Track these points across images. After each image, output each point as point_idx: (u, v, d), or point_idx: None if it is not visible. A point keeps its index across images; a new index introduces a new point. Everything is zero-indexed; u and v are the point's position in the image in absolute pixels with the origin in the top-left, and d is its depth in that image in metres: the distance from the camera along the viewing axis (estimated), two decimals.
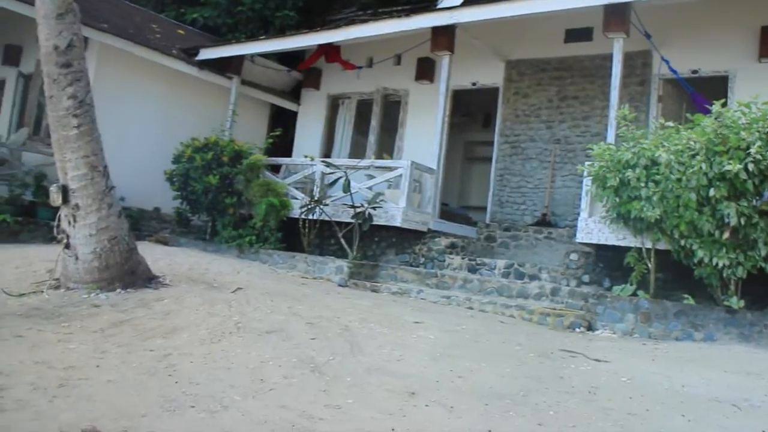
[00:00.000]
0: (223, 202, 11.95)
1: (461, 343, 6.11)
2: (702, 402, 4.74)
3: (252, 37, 16.07)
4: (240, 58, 14.02)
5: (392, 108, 14.33)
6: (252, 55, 14.15)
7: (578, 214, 9.35)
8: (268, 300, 7.02)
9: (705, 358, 6.10)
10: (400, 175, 10.87)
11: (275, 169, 12.67)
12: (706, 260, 7.26)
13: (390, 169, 11.10)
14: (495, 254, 11.22)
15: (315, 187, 11.73)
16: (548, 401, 4.56)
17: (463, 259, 10.13)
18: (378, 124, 14.36)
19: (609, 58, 9.65)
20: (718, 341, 6.84)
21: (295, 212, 11.34)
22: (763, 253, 7.01)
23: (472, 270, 9.88)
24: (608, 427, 4.11)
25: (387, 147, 13.86)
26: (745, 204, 7.05)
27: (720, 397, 4.84)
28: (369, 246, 11.28)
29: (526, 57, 12.59)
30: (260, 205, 11.28)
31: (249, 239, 11.37)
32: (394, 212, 10.63)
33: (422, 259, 10.57)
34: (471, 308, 8.25)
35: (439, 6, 12.46)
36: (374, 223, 10.47)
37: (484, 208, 12.84)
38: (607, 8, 9.34)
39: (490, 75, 12.90)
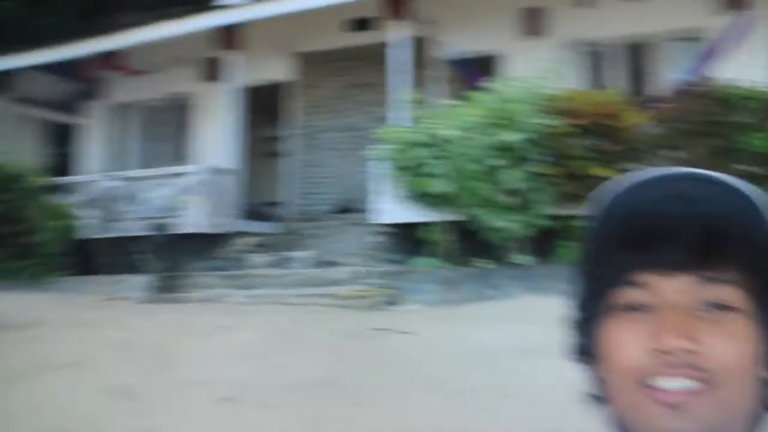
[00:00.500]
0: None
1: (275, 340, 6.08)
2: (506, 353, 5.08)
3: (17, 48, 14.81)
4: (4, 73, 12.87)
5: (184, 111, 13.85)
6: (19, 69, 13.06)
7: (377, 196, 9.61)
8: (66, 331, 6.55)
9: (503, 314, 6.55)
10: (198, 180, 10.59)
11: (58, 189, 11.78)
12: (494, 225, 7.76)
13: (187, 174, 10.77)
14: (301, 247, 11.22)
15: (106, 203, 11.08)
16: (365, 381, 4.67)
17: (268, 256, 10.06)
18: (171, 129, 13.85)
19: (391, 44, 9.99)
20: (514, 297, 7.36)
21: (87, 232, 10.66)
22: (542, 212, 7.64)
23: (280, 265, 9.83)
24: (425, 393, 4.29)
25: (182, 152, 13.41)
26: (524, 170, 7.63)
27: (520, 347, 5.22)
28: (172, 256, 10.86)
29: (313, 49, 12.67)
30: (44, 230, 10.45)
31: (37, 269, 10.49)
32: (196, 218, 10.33)
33: (228, 262, 10.35)
34: (281, 303, 8.21)
35: (222, 4, 12.22)
36: (175, 232, 10.10)
37: (288, 203, 12.84)
38: None
39: (281, 70, 12.86)
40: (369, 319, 6.93)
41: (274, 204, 14.60)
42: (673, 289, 0.70)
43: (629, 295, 0.72)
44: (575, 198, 7.66)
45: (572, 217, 7.70)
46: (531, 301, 6.98)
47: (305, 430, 3.70)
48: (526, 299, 7.12)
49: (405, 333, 6.02)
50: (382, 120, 11.61)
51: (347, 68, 12.43)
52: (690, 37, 10.39)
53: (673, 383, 0.67)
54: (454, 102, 8.43)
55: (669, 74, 10.40)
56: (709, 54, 9.37)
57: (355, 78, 12.35)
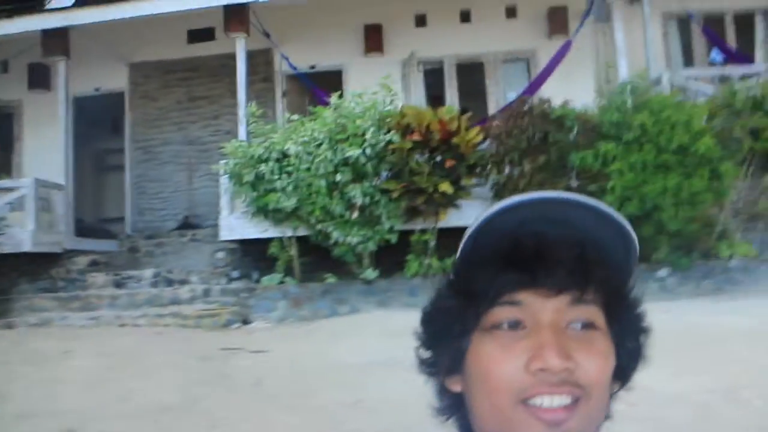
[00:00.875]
0: None
1: (118, 364, 5.82)
2: (357, 368, 5.18)
3: None
4: None
5: (5, 121, 12.87)
6: None
7: (220, 212, 9.45)
8: None
9: (353, 329, 6.66)
10: (24, 195, 9.87)
11: None
12: (341, 240, 7.88)
13: (10, 190, 10.01)
14: (141, 265, 10.80)
15: None
16: (218, 403, 4.59)
17: (107, 275, 9.58)
18: None
19: (233, 57, 9.88)
20: (362, 311, 7.52)
21: None
22: (387, 227, 7.84)
23: (119, 285, 9.40)
24: (279, 412, 4.29)
25: (4, 166, 12.44)
26: (368, 185, 7.81)
27: (372, 361, 5.33)
28: None
29: (150, 59, 12.24)
30: None
31: None
32: (22, 237, 9.62)
33: (62, 283, 9.74)
34: (124, 325, 7.87)
35: (48, 7, 11.49)
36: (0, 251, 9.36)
37: (124, 219, 12.28)
38: (227, 9, 9.56)
39: (115, 79, 12.29)
40: (218, 339, 6.80)
41: (112, 221, 13.90)
42: (549, 309, 0.74)
43: (505, 313, 0.75)
44: (418, 213, 7.96)
45: (416, 232, 8.00)
46: (380, 316, 7.15)
47: None
48: (375, 313, 7.29)
49: (256, 352, 5.97)
50: (225, 134, 11.44)
51: (188, 80, 12.14)
52: (520, 59, 11.14)
53: (553, 401, 0.71)
54: (298, 116, 8.46)
55: (501, 93, 11.09)
56: (538, 75, 10.08)
57: (197, 90, 12.09)
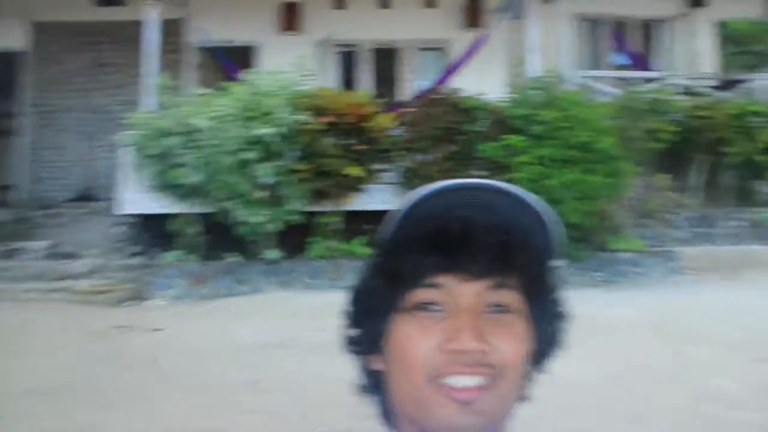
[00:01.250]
0: None
1: (2, 340, 5.55)
2: (256, 348, 5.13)
3: None
4: None
5: None
6: None
7: (122, 185, 9.13)
8: None
9: (254, 308, 6.59)
10: None
11: None
12: (246, 219, 7.75)
13: None
14: (33, 236, 10.29)
15: None
16: (111, 382, 4.44)
17: None
18: None
19: (144, 24, 9.52)
20: (264, 291, 7.43)
21: None
22: (293, 207, 7.78)
23: (8, 256, 8.94)
24: (176, 392, 4.19)
25: None
26: (276, 164, 7.71)
27: (271, 341, 5.29)
28: None
29: (55, 19, 11.62)
30: None
31: None
32: None
33: None
34: (10, 300, 7.48)
35: None
36: None
37: (19, 188, 11.68)
38: None
39: (13, 38, 11.62)
40: (112, 316, 6.58)
41: (2, 188, 13.17)
42: (469, 293, 0.76)
43: (425, 295, 0.77)
44: (326, 195, 7.94)
45: (322, 214, 7.97)
46: (281, 296, 7.10)
47: None
48: (277, 294, 7.23)
49: (153, 330, 5.82)
50: (131, 104, 11.03)
51: (94, 45, 11.63)
52: (435, 48, 11.24)
53: (466, 381, 0.73)
54: (207, 91, 8.25)
55: (415, 81, 11.17)
56: (452, 66, 10.21)
57: (104, 56, 11.60)
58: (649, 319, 5.98)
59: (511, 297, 0.78)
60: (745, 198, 10.29)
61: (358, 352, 0.86)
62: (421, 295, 0.77)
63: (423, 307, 0.77)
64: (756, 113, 9.91)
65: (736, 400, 3.96)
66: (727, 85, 11.21)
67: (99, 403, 4.01)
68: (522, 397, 0.82)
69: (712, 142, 9.73)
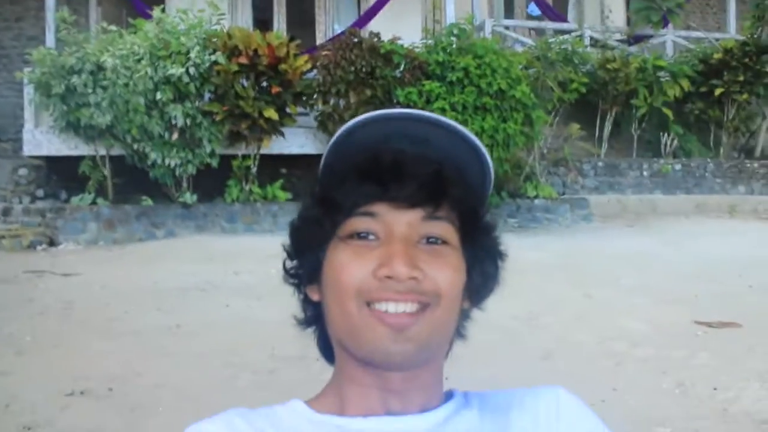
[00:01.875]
0: None
1: None
2: (175, 292, 5.07)
3: None
4: None
5: None
6: None
7: (23, 125, 8.67)
8: None
9: (170, 253, 6.48)
10: None
11: None
12: (159, 161, 7.54)
13: None
14: None
15: None
16: (22, 328, 4.29)
17: None
18: None
19: None
20: (179, 236, 7.31)
21: None
22: (208, 150, 7.62)
23: None
24: (91, 338, 4.11)
25: None
26: (190, 105, 7.51)
27: (189, 285, 5.24)
28: None
29: None
30: None
31: None
32: None
33: None
34: None
35: None
36: None
37: None
38: None
39: None
40: (22, 261, 6.31)
41: None
42: (402, 222, 0.76)
43: (360, 223, 0.77)
44: (241, 138, 7.81)
45: (237, 156, 7.85)
46: (198, 240, 7.00)
47: None
48: (193, 238, 7.12)
49: (65, 275, 5.64)
50: (28, 39, 10.43)
51: None
52: None
53: (398, 307, 0.73)
54: (115, 28, 7.87)
55: (331, 24, 11.00)
56: (369, 10, 10.09)
57: None
58: (560, 262, 6.24)
59: (445, 229, 0.78)
60: (651, 149, 10.79)
61: (297, 284, 0.85)
62: (356, 223, 0.77)
63: (358, 235, 0.77)
64: (662, 68, 10.32)
65: (640, 338, 4.22)
66: (635, 39, 11.59)
67: (13, 350, 3.89)
68: (459, 335, 0.84)
69: (620, 94, 10.09)
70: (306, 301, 0.86)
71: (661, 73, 10.29)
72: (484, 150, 0.81)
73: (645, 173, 10.16)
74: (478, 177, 0.83)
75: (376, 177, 0.77)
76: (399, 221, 0.76)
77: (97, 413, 3.01)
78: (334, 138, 0.81)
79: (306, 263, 0.83)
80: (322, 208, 0.80)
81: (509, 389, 0.86)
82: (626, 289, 5.40)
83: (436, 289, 0.75)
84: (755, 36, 10.89)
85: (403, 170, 0.77)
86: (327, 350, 0.86)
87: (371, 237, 0.77)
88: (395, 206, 0.77)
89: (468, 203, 0.81)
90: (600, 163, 10.05)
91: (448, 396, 0.84)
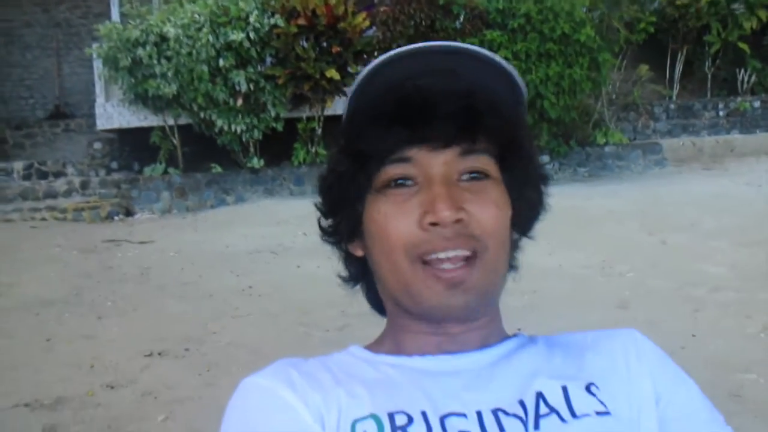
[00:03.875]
0: None
1: None
2: (246, 255, 5.17)
3: None
4: None
5: None
6: None
7: (95, 100, 8.93)
8: None
9: (240, 217, 6.60)
10: None
11: None
12: (225, 128, 7.65)
13: None
14: (10, 157, 10.15)
15: None
16: (103, 294, 4.47)
17: None
18: None
19: None
20: (249, 200, 7.43)
21: None
22: (272, 114, 7.67)
23: None
24: (169, 301, 4.24)
25: None
26: (252, 70, 7.55)
27: (260, 248, 5.33)
28: None
29: None
30: None
31: None
32: None
33: None
34: None
35: None
36: None
37: None
38: None
39: None
40: (100, 231, 6.56)
41: None
42: (439, 162, 0.72)
43: (395, 170, 0.73)
44: (305, 100, 7.82)
45: (302, 119, 7.88)
46: (265, 204, 7.11)
47: (40, 350, 3.47)
48: (261, 202, 7.23)
49: (141, 242, 5.83)
50: (95, 15, 10.68)
51: None
52: None
53: (449, 254, 0.70)
54: None
55: None
56: None
57: None
58: (634, 209, 6.07)
59: (484, 162, 0.74)
60: (726, 87, 10.30)
61: (337, 242, 0.83)
62: (391, 171, 0.73)
63: (395, 183, 0.73)
64: None
65: (720, 282, 4.08)
66: None
67: (96, 314, 4.05)
68: (512, 267, 0.81)
69: (691, 31, 9.63)
70: (348, 258, 0.83)
71: (736, 5, 9.73)
72: (515, 72, 0.77)
73: (721, 113, 9.73)
74: (512, 102, 0.78)
75: (406, 120, 0.73)
76: (436, 162, 0.73)
77: (174, 372, 3.11)
78: (358, 80, 0.76)
79: (345, 220, 0.79)
80: (354, 160, 0.76)
81: (579, 332, 0.83)
82: (704, 233, 5.21)
83: (483, 231, 0.72)
84: None
85: (432, 108, 0.72)
86: (377, 303, 0.84)
87: (409, 182, 0.73)
88: (430, 147, 0.73)
89: (504, 132, 0.76)
90: (672, 106, 9.66)
91: (511, 337, 0.81)
